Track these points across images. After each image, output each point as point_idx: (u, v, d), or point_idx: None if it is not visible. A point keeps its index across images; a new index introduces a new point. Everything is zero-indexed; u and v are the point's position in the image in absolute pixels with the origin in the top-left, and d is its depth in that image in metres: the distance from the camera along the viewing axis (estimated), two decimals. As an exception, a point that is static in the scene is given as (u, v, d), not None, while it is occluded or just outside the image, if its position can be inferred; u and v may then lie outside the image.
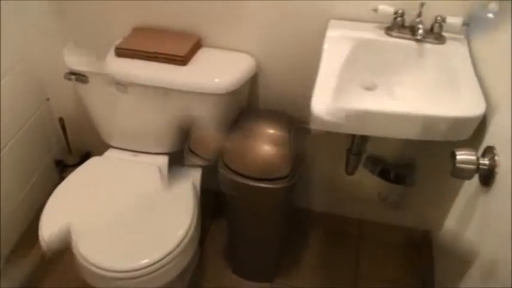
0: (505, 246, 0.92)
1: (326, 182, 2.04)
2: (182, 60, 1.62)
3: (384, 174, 1.86)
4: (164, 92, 1.65)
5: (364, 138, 1.64)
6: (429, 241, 2.03)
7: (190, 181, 1.76)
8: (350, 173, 1.75)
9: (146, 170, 1.78)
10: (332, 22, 1.55)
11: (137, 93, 1.70)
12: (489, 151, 1.01)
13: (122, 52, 1.68)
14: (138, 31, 1.76)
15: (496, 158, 0.98)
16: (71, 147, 2.24)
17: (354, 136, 1.63)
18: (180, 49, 1.63)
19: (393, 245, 2.10)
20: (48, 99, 2.13)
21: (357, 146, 1.66)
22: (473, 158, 0.98)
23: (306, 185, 2.03)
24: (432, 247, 2.00)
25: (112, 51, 1.71)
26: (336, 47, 1.46)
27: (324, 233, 2.19)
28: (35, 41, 1.93)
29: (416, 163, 1.85)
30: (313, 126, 1.24)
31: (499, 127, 1.13)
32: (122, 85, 1.69)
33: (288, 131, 1.63)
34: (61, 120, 2.17)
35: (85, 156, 2.22)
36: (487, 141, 1.18)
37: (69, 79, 1.71)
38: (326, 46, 1.46)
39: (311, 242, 2.15)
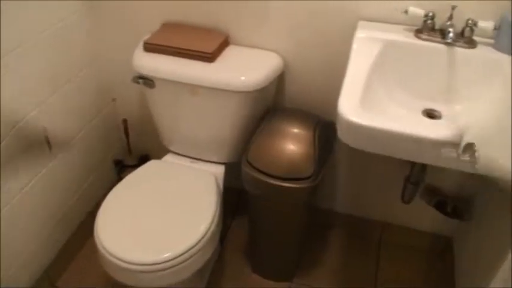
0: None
1: (351, 184, 2.03)
2: (210, 57, 1.62)
3: (440, 206, 1.83)
4: (191, 88, 1.66)
5: (424, 167, 1.61)
6: (451, 248, 2.01)
7: (213, 177, 1.76)
8: (407, 201, 1.73)
9: (202, 177, 1.79)
10: (361, 23, 1.54)
11: (164, 89, 1.72)
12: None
13: (150, 47, 1.69)
14: (167, 27, 1.77)
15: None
16: (131, 149, 2.28)
17: (413, 164, 1.60)
18: (208, 46, 1.64)
19: (415, 249, 2.08)
20: (114, 100, 2.18)
21: (416, 174, 1.64)
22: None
23: (330, 185, 2.03)
24: (454, 254, 1.99)
25: (140, 46, 1.73)
26: (365, 48, 1.45)
27: (345, 235, 2.18)
28: (107, 43, 1.97)
29: (476, 197, 1.80)
30: (339, 126, 1.23)
31: None
32: (149, 80, 1.70)
33: (313, 130, 1.62)
34: (124, 121, 2.20)
35: (143, 158, 2.26)
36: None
37: (137, 82, 1.72)
38: (355, 46, 1.45)
39: (332, 243, 2.15)
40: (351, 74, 1.35)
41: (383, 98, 1.40)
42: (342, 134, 1.24)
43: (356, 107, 1.22)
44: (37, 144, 1.77)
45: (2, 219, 1.65)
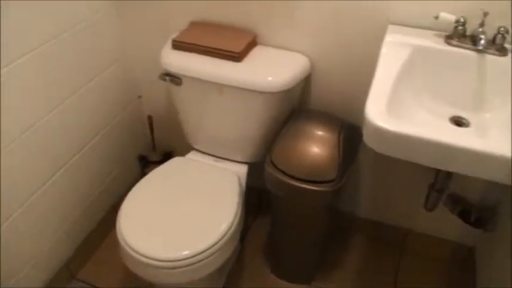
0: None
1: (374, 189, 2.02)
2: (237, 57, 1.63)
3: (464, 215, 1.80)
4: (218, 87, 1.66)
5: (449, 175, 1.58)
6: (473, 258, 1.99)
7: (236, 177, 1.77)
8: (430, 209, 1.70)
9: (225, 176, 1.79)
10: (391, 27, 1.53)
11: (191, 87, 1.72)
12: None
13: (178, 45, 1.70)
14: (195, 25, 1.78)
15: None
16: (155, 145, 2.30)
17: (438, 171, 1.58)
18: (236, 45, 1.64)
19: (436, 258, 2.06)
20: (140, 97, 2.20)
21: (440, 181, 1.61)
22: None
23: (353, 189, 2.02)
24: (476, 264, 1.96)
25: (168, 44, 1.74)
26: (394, 52, 1.43)
27: (366, 240, 2.16)
28: (135, 40, 2.00)
29: (500, 207, 1.77)
30: (365, 131, 1.22)
31: None
32: (176, 78, 1.71)
33: (338, 133, 1.62)
34: (150, 118, 2.23)
35: (167, 155, 2.29)
36: None
37: (164, 80, 1.73)
38: (384, 50, 1.44)
39: (352, 247, 2.13)
40: (379, 78, 1.34)
41: (410, 103, 1.39)
42: (367, 139, 1.23)
43: (383, 111, 1.21)
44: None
45: (25, 209, 1.68)
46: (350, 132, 1.67)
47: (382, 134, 1.17)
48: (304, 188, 1.54)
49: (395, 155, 1.22)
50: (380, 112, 1.21)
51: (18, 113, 1.55)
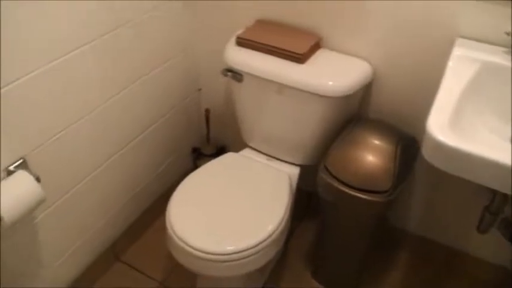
0: None
1: (427, 205, 1.97)
2: (300, 58, 1.62)
3: None
4: (278, 87, 1.66)
5: (506, 198, 1.53)
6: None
7: (288, 178, 1.76)
8: (482, 231, 1.65)
9: (277, 176, 1.80)
10: (459, 40, 1.49)
11: (251, 85, 1.73)
12: None
13: (242, 42, 1.72)
14: (261, 23, 1.79)
15: None
16: (210, 138, 2.33)
17: (495, 193, 1.53)
18: (300, 47, 1.64)
19: (482, 281, 1.99)
20: (199, 90, 2.24)
21: (496, 204, 1.56)
22: None
23: (404, 202, 1.98)
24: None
25: (233, 40, 1.75)
26: (461, 66, 1.40)
27: (412, 255, 2.12)
28: (200, 34, 2.03)
29: None
30: (425, 144, 1.20)
31: None
32: (238, 74, 1.72)
33: (395, 145, 1.59)
34: (207, 111, 2.26)
35: (220, 149, 2.32)
36: None
37: (226, 75, 1.75)
38: (450, 64, 1.41)
39: (397, 262, 2.09)
40: (443, 92, 1.31)
41: (473, 120, 1.35)
42: (426, 153, 1.21)
43: (445, 126, 1.18)
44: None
45: (78, 190, 1.73)
46: (408, 144, 1.64)
47: (442, 148, 1.15)
48: (357, 197, 1.53)
49: (453, 172, 1.19)
50: (442, 126, 1.18)
51: (79, 98, 1.60)
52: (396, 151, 1.58)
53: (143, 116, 1.93)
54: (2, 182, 1.38)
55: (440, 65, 1.43)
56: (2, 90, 1.32)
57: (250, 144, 1.95)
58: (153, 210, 2.16)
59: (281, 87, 1.66)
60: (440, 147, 1.15)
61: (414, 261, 2.10)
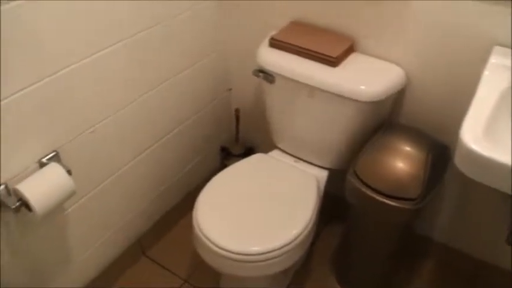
0: None
1: (455, 214, 1.94)
2: (333, 62, 1.62)
3: None
4: (310, 90, 1.66)
5: None
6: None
7: (316, 182, 1.76)
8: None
9: (305, 179, 1.79)
10: (497, 48, 1.46)
11: (283, 87, 1.73)
12: None
13: (275, 43, 1.71)
14: (295, 25, 1.79)
15: None
16: (238, 138, 2.34)
17: None
18: (333, 50, 1.63)
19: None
20: (230, 89, 2.25)
21: None
22: None
23: (433, 210, 1.95)
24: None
25: (266, 41, 1.75)
26: (497, 75, 1.37)
27: (438, 265, 2.09)
28: (233, 34, 2.04)
29: None
30: (458, 153, 1.18)
31: None
32: (270, 75, 1.72)
33: (426, 152, 1.57)
34: (237, 111, 2.27)
35: (249, 150, 2.33)
36: None
37: (257, 76, 1.76)
38: (486, 73, 1.38)
39: (422, 270, 2.07)
40: (478, 100, 1.29)
41: (508, 131, 1.33)
42: (459, 161, 1.19)
43: (479, 135, 1.16)
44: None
45: (107, 185, 1.75)
46: (439, 152, 1.62)
47: (475, 158, 1.13)
48: (385, 203, 1.51)
49: (485, 182, 1.17)
50: (476, 135, 1.16)
51: (111, 94, 1.62)
52: (427, 158, 1.56)
53: (173, 114, 1.94)
54: (35, 174, 1.41)
55: (476, 72, 1.41)
56: (40, 83, 1.35)
57: (279, 146, 1.95)
58: (180, 208, 2.18)
59: (313, 90, 1.65)
60: (473, 156, 1.13)
61: (440, 271, 2.07)
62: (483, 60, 1.43)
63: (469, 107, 1.26)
